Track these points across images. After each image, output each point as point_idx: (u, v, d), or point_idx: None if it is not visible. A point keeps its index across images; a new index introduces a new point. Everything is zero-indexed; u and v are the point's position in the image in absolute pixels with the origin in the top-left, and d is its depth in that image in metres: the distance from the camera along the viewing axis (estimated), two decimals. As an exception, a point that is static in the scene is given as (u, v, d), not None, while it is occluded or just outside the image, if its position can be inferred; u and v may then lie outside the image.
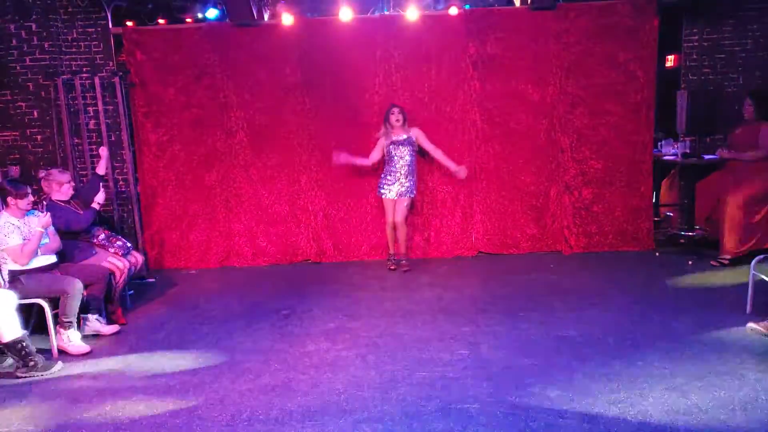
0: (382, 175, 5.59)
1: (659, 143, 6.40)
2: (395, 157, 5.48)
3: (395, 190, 5.52)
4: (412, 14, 5.73)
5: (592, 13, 5.76)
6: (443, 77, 5.93)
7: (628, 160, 5.95)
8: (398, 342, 3.95)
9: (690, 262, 5.50)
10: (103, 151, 5.26)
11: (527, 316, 4.32)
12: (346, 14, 5.74)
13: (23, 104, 6.03)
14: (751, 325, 3.41)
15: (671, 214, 6.56)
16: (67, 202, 4.60)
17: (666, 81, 6.57)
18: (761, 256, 4.21)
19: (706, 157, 5.70)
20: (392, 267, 5.72)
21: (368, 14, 6.02)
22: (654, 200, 6.17)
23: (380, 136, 5.57)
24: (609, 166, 5.96)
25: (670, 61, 7.28)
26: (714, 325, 3.97)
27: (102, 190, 4.85)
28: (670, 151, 6.22)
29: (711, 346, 3.64)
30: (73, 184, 4.65)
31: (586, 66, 5.82)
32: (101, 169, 5.19)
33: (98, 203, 4.72)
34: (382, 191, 5.59)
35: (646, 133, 5.92)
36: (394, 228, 5.64)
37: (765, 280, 4.00)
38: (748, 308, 4.14)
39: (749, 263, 4.20)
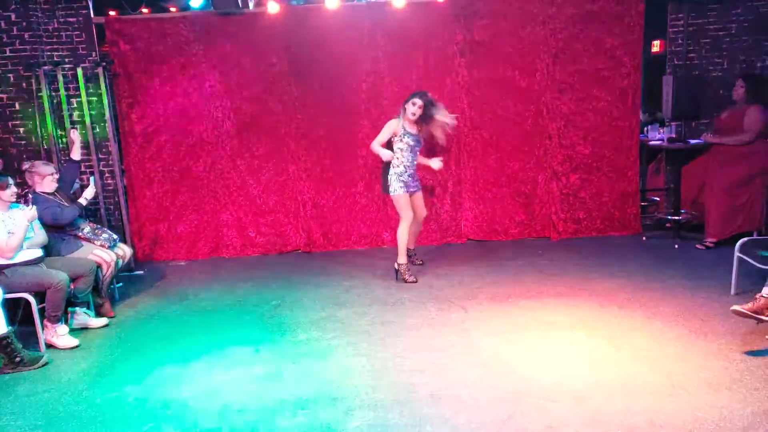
0: (401, 170, 4.89)
1: (645, 128, 6.44)
2: (412, 152, 4.93)
3: (415, 184, 5.05)
4: (398, 1, 5.69)
5: (578, -2, 5.76)
6: (431, 64, 5.91)
7: (615, 146, 5.99)
8: (388, 329, 3.96)
9: (676, 246, 5.57)
10: (74, 134, 4.99)
11: (516, 301, 4.35)
12: (332, 2, 5.69)
13: (4, 96, 5.92)
14: (735, 307, 3.45)
15: (657, 199, 6.63)
16: (52, 194, 4.54)
17: (652, 66, 6.59)
18: (745, 239, 4.27)
19: (692, 141, 5.74)
20: (420, 262, 5.44)
21: (355, 1, 5.96)
22: (640, 185, 6.21)
23: (401, 122, 4.88)
24: (596, 152, 6.00)
25: (656, 46, 7.30)
26: (699, 307, 4.02)
27: (92, 185, 4.77)
28: (656, 136, 6.26)
29: (696, 328, 3.70)
30: (57, 176, 4.59)
31: (572, 52, 5.83)
32: (76, 155, 5.00)
33: (86, 198, 4.66)
34: (405, 188, 4.91)
35: (632, 118, 5.96)
36: (414, 223, 5.13)
37: (749, 262, 4.05)
38: (733, 290, 4.21)
39: (734, 246, 4.25)
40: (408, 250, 5.22)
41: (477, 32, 5.83)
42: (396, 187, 4.89)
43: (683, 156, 5.85)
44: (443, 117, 4.88)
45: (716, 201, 5.33)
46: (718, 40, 6.03)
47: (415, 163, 5.03)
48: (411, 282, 4.91)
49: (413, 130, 4.91)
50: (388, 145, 4.94)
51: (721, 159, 5.31)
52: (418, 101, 4.80)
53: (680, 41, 6.09)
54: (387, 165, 4.96)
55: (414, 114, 4.81)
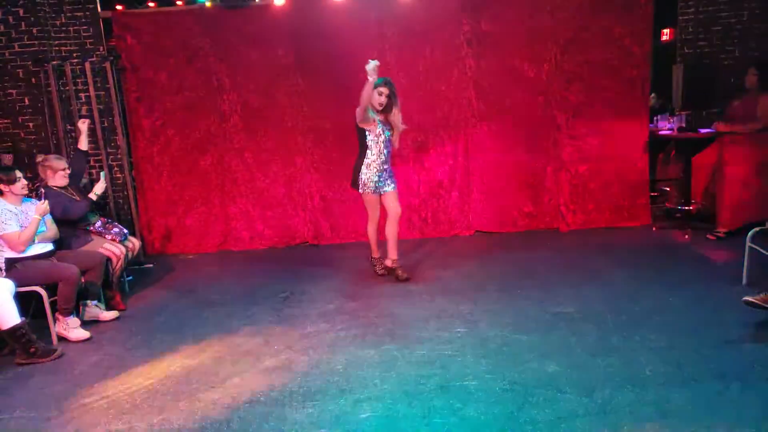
0: (374, 165, 4.61)
1: (655, 118, 6.38)
2: (386, 144, 4.61)
3: (388, 183, 4.73)
4: (404, -8, 5.66)
5: (586, -13, 5.70)
6: (438, 55, 5.87)
7: (625, 136, 5.93)
8: (397, 321, 3.97)
9: (686, 236, 5.52)
10: (83, 125, 4.95)
11: (525, 293, 4.34)
12: (338, -7, 5.67)
13: (13, 91, 5.97)
14: (746, 298, 3.43)
15: (668, 189, 6.57)
16: (63, 188, 4.57)
17: (661, 55, 6.52)
18: (757, 229, 4.22)
19: (702, 130, 5.68)
20: (382, 271, 4.98)
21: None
22: (650, 175, 6.15)
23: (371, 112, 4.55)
24: (605, 142, 5.94)
25: (666, 34, 7.22)
26: (710, 298, 3.99)
27: (102, 180, 4.76)
28: (666, 126, 6.19)
29: (707, 318, 3.67)
30: (68, 171, 4.61)
31: (581, 41, 5.77)
32: (83, 144, 4.96)
33: (96, 194, 4.66)
34: (374, 189, 4.67)
35: (642, 108, 5.90)
36: (384, 224, 4.82)
37: (760, 253, 4.01)
38: (744, 280, 4.17)
39: (745, 236, 4.21)
40: (374, 259, 5.00)
41: (484, 22, 5.79)
42: (364, 187, 4.65)
43: (693, 145, 5.78)
44: (398, 117, 4.60)
45: (727, 190, 5.27)
46: (730, 28, 5.94)
47: (390, 157, 4.73)
48: (381, 274, 4.93)
49: (382, 118, 4.59)
50: (362, 138, 4.64)
51: (733, 148, 5.24)
52: (384, 90, 4.48)
53: (690, 29, 6.01)
54: (360, 156, 4.65)
55: (381, 104, 4.50)
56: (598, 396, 2.86)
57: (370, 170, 4.62)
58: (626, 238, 5.64)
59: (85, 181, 5.23)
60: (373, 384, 3.13)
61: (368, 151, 4.61)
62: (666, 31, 7.23)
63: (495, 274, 4.85)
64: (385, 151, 4.63)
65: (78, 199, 4.59)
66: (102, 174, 4.88)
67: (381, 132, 4.58)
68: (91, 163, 6.11)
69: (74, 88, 5.95)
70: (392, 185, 4.78)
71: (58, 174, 4.52)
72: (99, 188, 4.69)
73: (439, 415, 2.80)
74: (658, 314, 3.79)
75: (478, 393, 2.97)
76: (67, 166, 4.60)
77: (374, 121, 4.56)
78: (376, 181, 4.66)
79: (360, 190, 4.72)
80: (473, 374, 3.16)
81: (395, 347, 3.56)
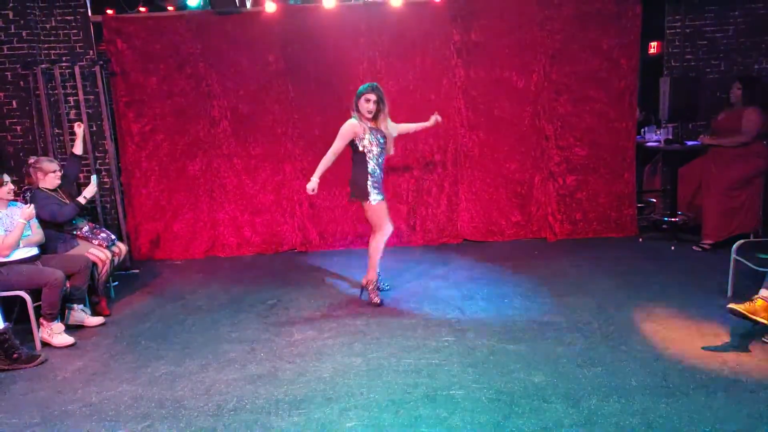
0: (376, 174, 4.36)
1: (642, 130, 6.45)
2: (381, 152, 4.41)
3: (382, 188, 4.47)
4: (396, 1, 5.69)
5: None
6: (428, 65, 5.91)
7: (612, 147, 5.99)
8: (384, 330, 3.96)
9: (672, 248, 5.57)
10: (79, 128, 4.93)
11: (512, 302, 4.36)
12: (329, 1, 5.69)
13: (1, 94, 5.91)
14: (731, 305, 3.46)
15: (654, 200, 6.64)
16: (54, 191, 4.54)
17: (649, 68, 6.60)
18: (741, 241, 4.28)
19: (689, 143, 5.75)
20: (387, 286, 4.79)
21: (352, 1, 5.96)
22: (637, 187, 6.21)
23: (360, 121, 4.31)
24: (593, 153, 5.99)
25: (653, 48, 7.32)
26: (696, 309, 4.03)
27: (93, 183, 4.70)
28: (653, 138, 6.27)
29: (692, 330, 3.70)
30: (59, 174, 4.58)
31: (570, 53, 5.83)
32: (78, 149, 4.96)
33: (85, 197, 4.59)
34: (380, 195, 4.39)
35: (629, 120, 5.96)
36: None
37: (745, 264, 4.06)
38: (729, 292, 4.21)
39: (730, 248, 4.26)
40: (372, 281, 4.59)
41: (474, 33, 5.84)
42: (375, 196, 4.34)
43: (680, 158, 5.86)
44: (386, 124, 4.37)
45: (713, 203, 5.34)
46: (715, 42, 6.04)
47: (383, 161, 4.47)
48: (376, 303, 4.45)
49: (374, 125, 4.34)
50: (355, 148, 4.37)
51: (719, 160, 5.32)
52: (372, 96, 4.26)
53: (677, 43, 6.10)
54: (358, 168, 4.38)
55: (370, 111, 4.28)
56: (584, 406, 2.87)
57: (374, 178, 4.35)
58: (613, 249, 5.68)
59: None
60: (360, 392, 3.13)
61: (357, 156, 4.37)
62: (653, 44, 7.33)
63: (482, 283, 4.86)
64: (380, 158, 4.41)
65: (68, 202, 4.56)
66: (93, 178, 4.81)
67: (374, 140, 4.34)
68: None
69: (63, 92, 5.91)
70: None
71: (48, 176, 4.49)
72: (89, 192, 4.63)
73: (426, 424, 2.80)
74: (643, 324, 3.81)
75: (464, 402, 2.97)
76: (58, 168, 4.57)
77: (364, 130, 4.31)
78: (380, 188, 4.39)
79: (373, 203, 4.34)
80: (460, 383, 3.16)
81: (382, 356, 3.56)
